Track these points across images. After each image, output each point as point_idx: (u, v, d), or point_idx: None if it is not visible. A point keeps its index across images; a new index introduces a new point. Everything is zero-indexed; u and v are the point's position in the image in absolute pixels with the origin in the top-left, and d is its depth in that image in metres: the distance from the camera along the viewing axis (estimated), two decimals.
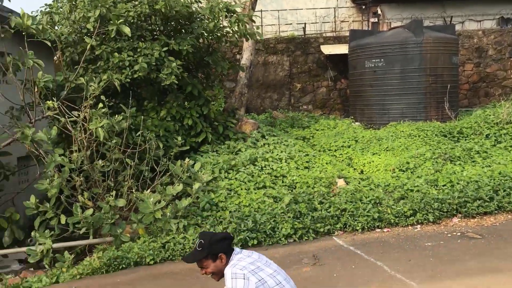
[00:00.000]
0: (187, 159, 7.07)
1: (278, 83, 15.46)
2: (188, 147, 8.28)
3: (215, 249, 3.03)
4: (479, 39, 15.59)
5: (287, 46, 15.51)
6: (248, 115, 11.70)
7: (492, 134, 9.88)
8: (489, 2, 17.75)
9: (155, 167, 7.06)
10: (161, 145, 7.40)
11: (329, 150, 10.12)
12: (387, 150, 9.51)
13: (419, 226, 6.64)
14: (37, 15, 7.88)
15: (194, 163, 7.34)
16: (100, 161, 6.65)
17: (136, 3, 8.15)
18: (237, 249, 3.13)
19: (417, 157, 8.62)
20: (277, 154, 8.46)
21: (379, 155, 9.37)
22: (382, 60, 12.17)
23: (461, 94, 15.07)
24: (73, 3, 8.26)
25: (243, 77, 10.28)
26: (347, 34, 15.03)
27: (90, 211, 6.07)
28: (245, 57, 10.42)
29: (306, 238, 6.37)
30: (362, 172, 8.84)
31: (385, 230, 6.56)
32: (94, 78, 7.53)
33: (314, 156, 8.85)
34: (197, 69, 9.26)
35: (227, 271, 2.97)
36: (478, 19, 17.93)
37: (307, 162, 8.53)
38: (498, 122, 10.16)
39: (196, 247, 3.05)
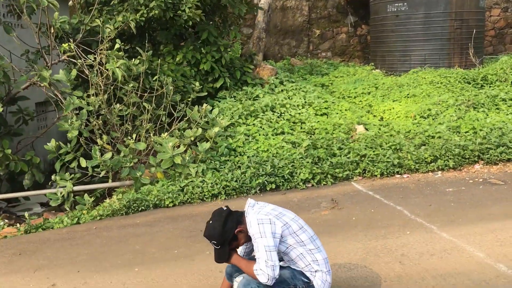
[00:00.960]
0: (204, 105, 6.99)
1: (296, 29, 15.04)
2: (205, 93, 8.16)
3: (228, 234, 2.96)
4: None
5: None
6: (266, 62, 11.45)
7: None
8: None
9: (173, 112, 7.00)
10: (180, 86, 7.28)
11: (349, 97, 9.91)
12: (408, 97, 9.28)
13: (440, 172, 6.54)
14: None
15: (212, 109, 7.26)
16: (117, 105, 6.61)
17: None
18: (250, 201, 3.08)
19: (439, 104, 8.41)
20: (296, 101, 8.33)
21: (400, 102, 9.16)
22: (405, 4, 11.67)
23: (486, 41, 14.51)
24: None
25: (261, 21, 9.99)
26: None
27: (109, 154, 6.09)
28: (263, 0, 10.08)
29: (324, 183, 6.34)
30: (382, 119, 8.67)
31: (404, 176, 6.48)
32: (109, 21, 7.37)
33: (333, 102, 8.69)
34: (214, 12, 8.99)
35: (252, 218, 2.94)
36: None
37: (325, 108, 8.38)
38: None
39: (215, 248, 3.00)
